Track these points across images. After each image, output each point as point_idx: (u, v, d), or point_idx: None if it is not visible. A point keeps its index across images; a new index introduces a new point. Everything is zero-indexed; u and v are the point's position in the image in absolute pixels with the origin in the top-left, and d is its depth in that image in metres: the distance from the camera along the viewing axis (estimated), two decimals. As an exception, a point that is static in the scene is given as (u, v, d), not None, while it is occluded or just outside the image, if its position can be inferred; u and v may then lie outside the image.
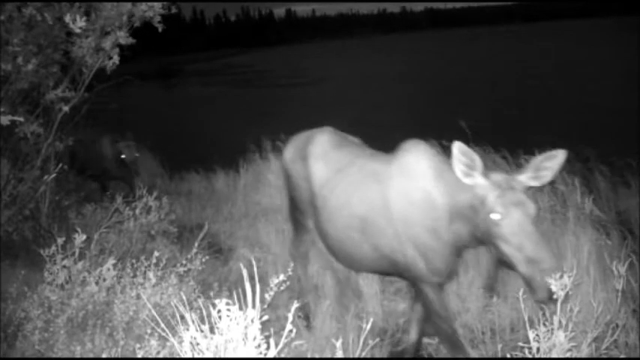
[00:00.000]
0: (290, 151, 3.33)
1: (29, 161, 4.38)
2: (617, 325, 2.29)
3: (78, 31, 4.02)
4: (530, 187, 2.43)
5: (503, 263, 2.40)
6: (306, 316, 3.46)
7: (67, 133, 4.81)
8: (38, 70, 4.20)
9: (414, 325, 3.14)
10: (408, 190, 2.66)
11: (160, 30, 4.52)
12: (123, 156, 5.98)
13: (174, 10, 4.62)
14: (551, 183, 4.78)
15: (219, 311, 1.81)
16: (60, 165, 4.47)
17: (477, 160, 2.35)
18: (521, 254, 2.18)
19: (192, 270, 3.14)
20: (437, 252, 2.59)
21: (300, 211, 3.29)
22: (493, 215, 2.28)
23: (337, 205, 2.90)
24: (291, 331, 1.81)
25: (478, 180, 2.37)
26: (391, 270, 2.87)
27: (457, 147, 2.35)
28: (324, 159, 3.08)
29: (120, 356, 2.46)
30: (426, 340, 3.48)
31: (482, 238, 2.39)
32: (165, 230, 4.32)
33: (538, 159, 2.38)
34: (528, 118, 14.09)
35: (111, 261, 2.85)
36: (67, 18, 3.93)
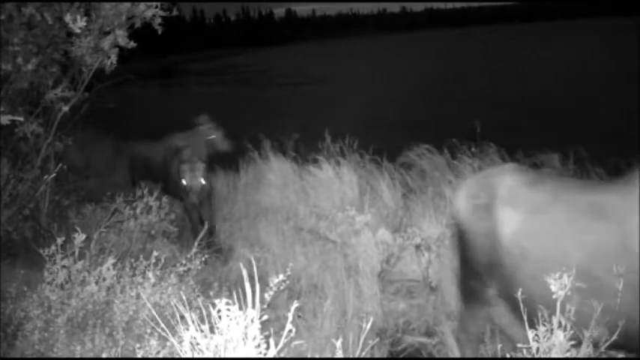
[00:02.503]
0: (464, 200, 2.59)
1: (29, 161, 4.38)
2: (617, 326, 2.28)
3: (78, 31, 4.02)
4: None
5: None
6: None
7: (66, 133, 4.81)
8: (38, 70, 4.21)
9: None
10: None
11: (159, 32, 4.50)
12: (184, 182, 4.75)
13: (175, 13, 4.61)
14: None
15: (219, 311, 1.81)
16: (60, 165, 4.48)
17: None
18: None
19: (192, 270, 3.14)
20: None
21: (478, 276, 2.53)
22: None
23: (542, 256, 2.20)
24: (290, 330, 1.81)
25: None
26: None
27: None
28: (515, 202, 2.37)
29: (120, 356, 2.46)
30: (426, 340, 3.49)
31: None
32: (165, 230, 4.32)
33: None
34: (527, 118, 14.09)
35: (111, 261, 2.85)
36: (67, 18, 3.93)
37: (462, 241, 2.59)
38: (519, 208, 2.34)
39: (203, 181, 4.76)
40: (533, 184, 2.39)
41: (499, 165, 2.65)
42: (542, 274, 2.00)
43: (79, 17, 3.96)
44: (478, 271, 2.50)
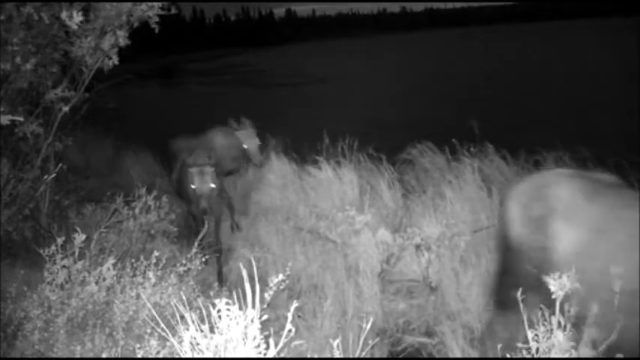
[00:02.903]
0: (515, 210, 2.37)
1: (29, 161, 4.38)
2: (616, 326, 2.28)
3: (75, 27, 4.02)
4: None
5: None
6: None
7: (66, 133, 4.81)
8: (37, 70, 4.21)
9: None
10: None
11: (156, 31, 4.49)
12: (193, 186, 4.48)
13: (174, 11, 4.60)
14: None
15: (219, 311, 1.82)
16: (60, 165, 4.48)
17: None
18: None
19: (192, 270, 3.14)
20: None
21: (521, 288, 2.20)
22: None
23: (597, 279, 2.02)
24: (290, 330, 1.81)
25: None
26: None
27: None
28: (574, 217, 2.18)
29: (120, 356, 2.46)
30: (426, 340, 3.49)
31: None
32: (165, 230, 4.32)
33: None
34: (527, 118, 14.09)
35: (111, 261, 2.85)
36: (64, 15, 3.93)
37: (509, 252, 2.39)
38: (576, 225, 2.17)
39: (212, 185, 4.50)
40: (592, 197, 2.21)
41: (552, 169, 2.49)
42: (595, 299, 1.92)
43: (74, 13, 3.95)
44: (522, 284, 2.23)
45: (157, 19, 4.42)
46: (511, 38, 60.23)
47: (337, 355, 1.89)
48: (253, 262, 2.12)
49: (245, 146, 5.28)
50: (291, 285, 3.97)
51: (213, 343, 1.82)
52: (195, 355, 1.83)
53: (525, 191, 2.40)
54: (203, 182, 4.45)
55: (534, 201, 2.31)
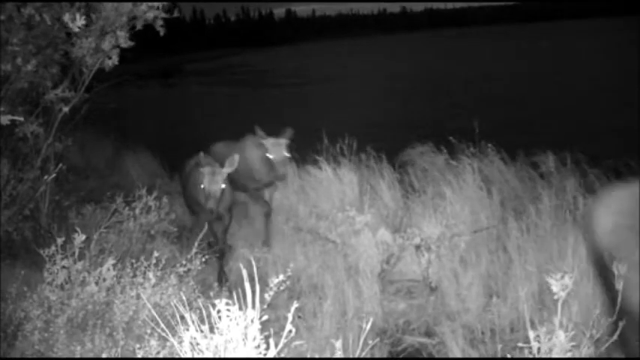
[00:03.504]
0: (605, 214, 2.11)
1: (29, 161, 4.38)
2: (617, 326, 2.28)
3: (77, 30, 4.01)
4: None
5: None
6: None
7: (66, 134, 4.81)
8: (38, 70, 4.20)
9: None
10: None
11: (161, 34, 4.45)
12: (202, 185, 4.26)
13: (176, 14, 4.57)
14: (550, 185, 4.80)
15: (219, 311, 1.81)
16: (60, 165, 4.48)
17: None
18: None
19: (192, 270, 3.13)
20: None
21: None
22: None
23: None
24: (290, 331, 1.81)
25: None
26: None
27: None
28: None
29: (120, 356, 2.46)
30: (426, 340, 3.49)
31: None
32: (165, 230, 4.32)
33: None
34: (527, 118, 14.09)
35: (111, 261, 2.85)
36: (66, 17, 3.93)
37: (604, 270, 2.03)
38: None
39: (223, 186, 4.26)
40: None
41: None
42: None
43: (77, 16, 3.95)
44: (629, 311, 1.93)
45: (161, 22, 4.40)
46: (511, 38, 60.18)
47: (338, 354, 1.89)
48: (253, 263, 2.12)
49: (270, 156, 4.86)
50: (291, 285, 3.97)
51: (213, 344, 1.81)
52: (195, 356, 1.83)
53: (622, 199, 2.14)
54: (213, 182, 4.23)
55: (631, 210, 2.05)
